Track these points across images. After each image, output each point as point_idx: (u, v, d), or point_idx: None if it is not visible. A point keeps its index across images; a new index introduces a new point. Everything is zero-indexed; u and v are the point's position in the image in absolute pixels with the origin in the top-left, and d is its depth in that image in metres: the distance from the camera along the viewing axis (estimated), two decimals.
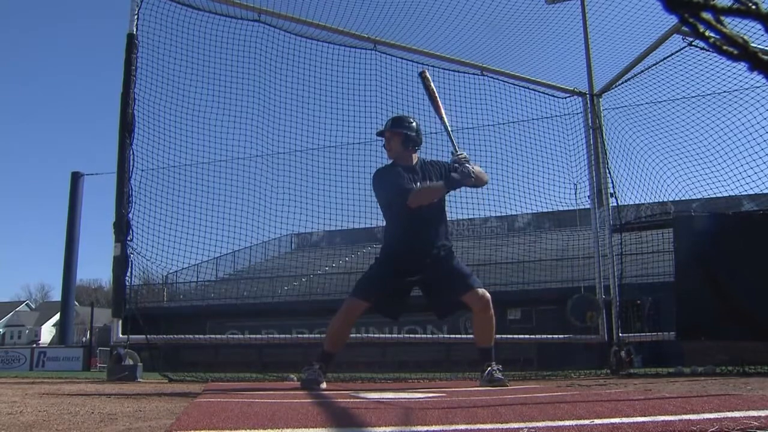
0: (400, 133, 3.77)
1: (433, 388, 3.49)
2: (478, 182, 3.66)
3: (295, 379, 4.57)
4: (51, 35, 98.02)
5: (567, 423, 1.38)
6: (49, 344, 38.61)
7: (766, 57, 0.85)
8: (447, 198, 3.94)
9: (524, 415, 1.64)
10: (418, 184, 3.65)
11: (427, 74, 3.93)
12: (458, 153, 3.58)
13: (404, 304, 3.79)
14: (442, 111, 3.81)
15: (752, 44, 0.85)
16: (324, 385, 3.45)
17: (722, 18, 0.84)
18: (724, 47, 0.86)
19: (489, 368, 3.59)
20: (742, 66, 0.91)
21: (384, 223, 3.91)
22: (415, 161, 3.80)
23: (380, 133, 3.89)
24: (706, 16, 0.83)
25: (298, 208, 5.66)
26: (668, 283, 6.52)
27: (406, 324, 16.59)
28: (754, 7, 0.81)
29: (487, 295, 3.65)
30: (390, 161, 3.88)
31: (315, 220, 5.69)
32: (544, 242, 13.93)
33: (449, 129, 3.76)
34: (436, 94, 3.86)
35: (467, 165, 3.50)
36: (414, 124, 3.83)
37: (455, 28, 6.05)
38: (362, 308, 3.58)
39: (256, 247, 19.95)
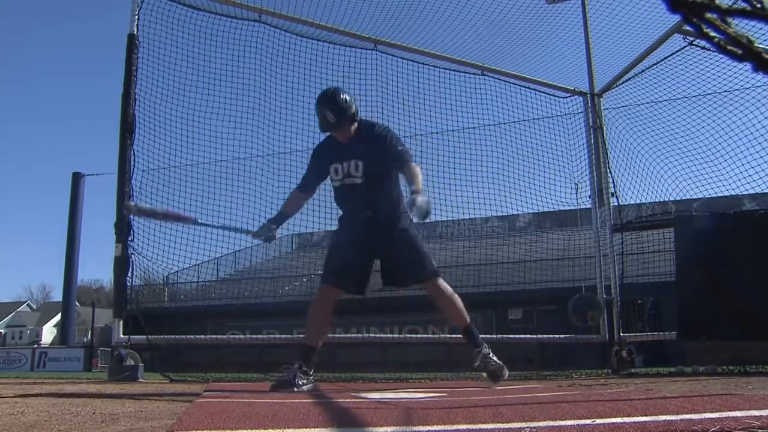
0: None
1: (434, 388, 3.49)
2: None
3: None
4: (51, 35, 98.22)
5: (568, 423, 1.38)
6: (50, 345, 38.63)
7: None
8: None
9: (525, 415, 1.64)
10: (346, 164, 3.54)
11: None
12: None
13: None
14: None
15: (756, 44, 0.85)
16: (306, 387, 3.18)
17: (728, 18, 0.84)
18: (728, 47, 0.86)
19: (480, 354, 3.51)
20: (742, 65, 0.90)
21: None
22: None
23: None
24: (710, 16, 0.82)
25: None
26: (669, 283, 6.51)
27: (407, 324, 16.59)
28: (759, 6, 0.80)
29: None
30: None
31: (316, 220, 5.68)
32: (545, 242, 13.88)
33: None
34: None
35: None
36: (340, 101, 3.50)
37: (455, 28, 6.05)
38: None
39: (256, 247, 19.99)
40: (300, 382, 3.17)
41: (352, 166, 3.49)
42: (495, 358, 3.52)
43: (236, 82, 5.55)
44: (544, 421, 1.43)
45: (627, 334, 6.01)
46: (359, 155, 3.49)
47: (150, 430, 1.48)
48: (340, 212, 3.73)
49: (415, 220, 3.28)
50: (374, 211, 3.51)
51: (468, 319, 3.57)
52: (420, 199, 3.11)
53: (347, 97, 3.53)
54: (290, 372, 3.19)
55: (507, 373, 3.55)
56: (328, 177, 3.65)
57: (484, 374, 3.61)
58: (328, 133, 3.66)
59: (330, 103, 3.49)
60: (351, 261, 3.49)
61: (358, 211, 3.55)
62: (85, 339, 34.26)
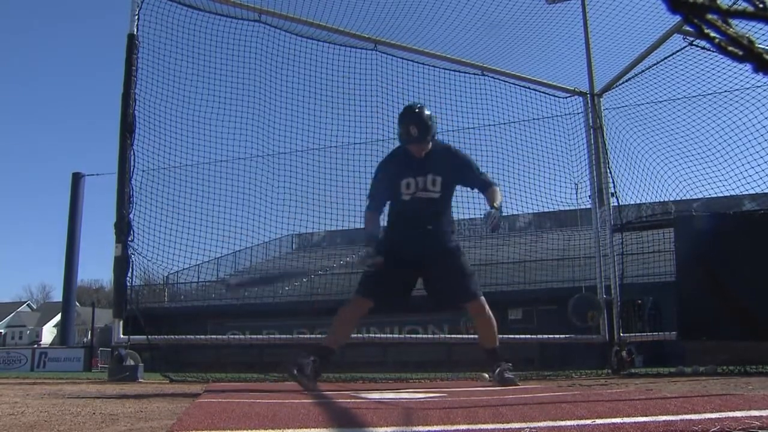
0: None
1: (434, 389, 3.49)
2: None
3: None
4: (51, 35, 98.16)
5: (568, 423, 1.38)
6: (50, 345, 38.60)
7: None
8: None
9: (525, 415, 1.64)
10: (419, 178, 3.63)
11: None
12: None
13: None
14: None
15: (757, 45, 0.84)
16: (309, 384, 3.24)
17: (729, 19, 0.83)
18: (729, 48, 0.85)
19: (498, 368, 3.59)
20: (742, 66, 0.90)
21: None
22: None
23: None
24: (711, 17, 0.82)
25: (299, 209, 5.67)
26: (669, 283, 6.52)
27: (407, 324, 16.59)
28: (761, 6, 0.80)
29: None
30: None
31: (316, 221, 5.69)
32: (545, 242, 13.89)
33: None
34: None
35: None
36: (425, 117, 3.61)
37: (455, 28, 6.05)
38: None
39: (256, 248, 19.94)
40: (308, 372, 3.23)
41: (429, 180, 3.59)
42: (510, 375, 3.59)
43: (236, 82, 5.56)
44: (544, 421, 1.43)
45: (627, 335, 6.01)
46: (437, 171, 3.59)
47: (150, 430, 1.48)
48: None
49: (488, 228, 3.48)
50: (436, 225, 3.61)
51: (497, 342, 3.68)
52: (497, 213, 3.44)
53: (432, 115, 3.64)
54: (305, 360, 3.27)
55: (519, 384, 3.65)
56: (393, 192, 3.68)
57: (496, 381, 3.66)
58: (399, 147, 3.71)
59: (417, 118, 3.56)
60: (392, 281, 3.54)
61: (420, 225, 3.60)
62: (85, 339, 34.25)
